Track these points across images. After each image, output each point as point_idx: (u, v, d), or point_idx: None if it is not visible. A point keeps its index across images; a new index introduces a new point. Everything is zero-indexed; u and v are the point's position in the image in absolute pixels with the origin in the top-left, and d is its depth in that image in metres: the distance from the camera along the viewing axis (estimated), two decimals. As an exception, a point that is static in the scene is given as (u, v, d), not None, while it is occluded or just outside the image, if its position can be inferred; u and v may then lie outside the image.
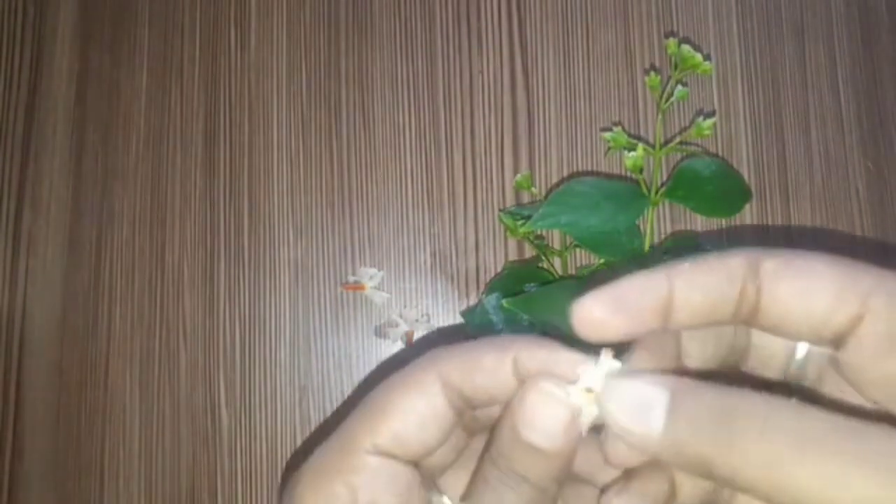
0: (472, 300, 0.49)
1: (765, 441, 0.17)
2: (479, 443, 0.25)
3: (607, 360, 0.21)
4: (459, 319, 0.48)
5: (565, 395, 0.21)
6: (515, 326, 0.43)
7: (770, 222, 0.50)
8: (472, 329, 0.47)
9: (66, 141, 0.51)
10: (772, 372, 0.24)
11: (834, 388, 0.21)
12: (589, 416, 0.21)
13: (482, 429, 0.25)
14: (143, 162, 0.51)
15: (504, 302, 0.42)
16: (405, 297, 0.49)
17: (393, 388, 0.24)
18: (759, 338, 0.24)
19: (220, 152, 0.51)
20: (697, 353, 0.24)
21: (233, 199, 0.50)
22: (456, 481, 0.25)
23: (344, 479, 0.23)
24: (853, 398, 0.20)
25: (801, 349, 0.23)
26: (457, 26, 0.52)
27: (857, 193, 0.51)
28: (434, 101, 0.51)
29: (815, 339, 0.21)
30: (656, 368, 0.23)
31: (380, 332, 0.49)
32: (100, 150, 0.51)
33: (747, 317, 0.21)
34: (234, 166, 0.51)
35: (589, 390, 0.21)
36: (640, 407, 0.20)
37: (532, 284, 0.44)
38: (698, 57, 0.45)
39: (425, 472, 0.25)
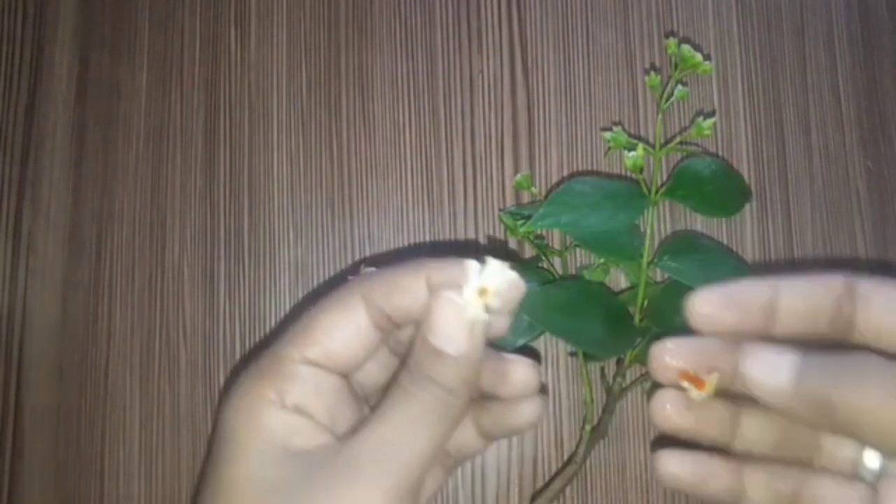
0: (472, 300, 0.49)
1: (882, 384, 0.21)
2: None
3: (495, 264, 0.24)
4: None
5: (463, 301, 0.24)
6: (515, 326, 0.43)
7: (770, 222, 0.50)
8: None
9: (66, 141, 0.51)
10: (845, 455, 0.26)
11: None
12: (483, 319, 0.24)
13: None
14: (143, 162, 0.51)
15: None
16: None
17: (321, 308, 0.27)
18: (828, 441, 0.26)
19: (220, 152, 0.51)
20: (755, 436, 0.27)
21: (233, 199, 0.50)
22: None
23: (273, 384, 0.25)
24: None
25: (872, 459, 0.25)
26: (457, 26, 0.52)
27: (857, 193, 0.51)
28: (434, 100, 0.51)
29: None
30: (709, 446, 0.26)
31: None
32: (100, 150, 0.51)
33: (843, 330, 0.24)
34: (234, 166, 0.51)
35: (482, 291, 0.24)
36: (773, 365, 0.23)
37: (532, 284, 0.44)
38: (698, 57, 0.44)
39: (356, 387, 0.28)
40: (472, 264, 0.25)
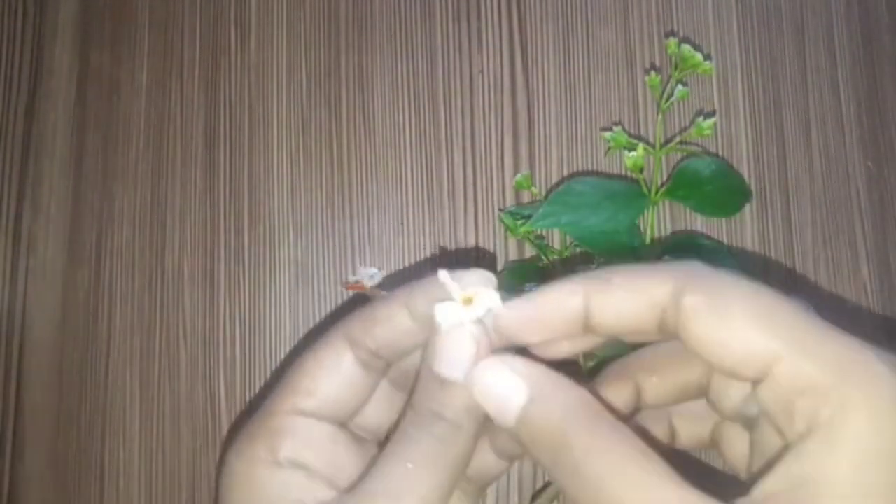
0: (473, 300, 0.49)
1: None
2: None
3: (468, 272, 0.23)
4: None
5: (467, 325, 0.23)
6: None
7: (770, 222, 0.50)
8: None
9: (66, 141, 0.51)
10: (730, 403, 0.24)
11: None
12: (478, 333, 0.23)
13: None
14: (143, 162, 0.51)
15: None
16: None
17: (307, 356, 0.26)
18: (714, 387, 0.25)
19: (220, 152, 0.51)
20: (653, 390, 0.25)
21: (233, 199, 0.50)
22: None
23: (265, 441, 0.24)
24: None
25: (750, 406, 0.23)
26: (457, 26, 0.52)
27: (857, 193, 0.51)
28: (434, 100, 0.51)
29: (732, 376, 0.21)
30: (617, 396, 0.25)
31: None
32: (100, 150, 0.51)
33: (672, 337, 0.22)
34: (234, 166, 0.51)
35: (467, 301, 0.23)
36: (502, 397, 0.22)
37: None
38: (698, 57, 0.45)
39: (360, 431, 0.27)
40: (445, 277, 0.23)
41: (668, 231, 0.50)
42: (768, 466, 0.19)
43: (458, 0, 0.52)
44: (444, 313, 0.23)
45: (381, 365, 0.26)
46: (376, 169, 0.50)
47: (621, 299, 0.22)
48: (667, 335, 0.22)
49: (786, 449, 0.19)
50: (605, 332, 0.23)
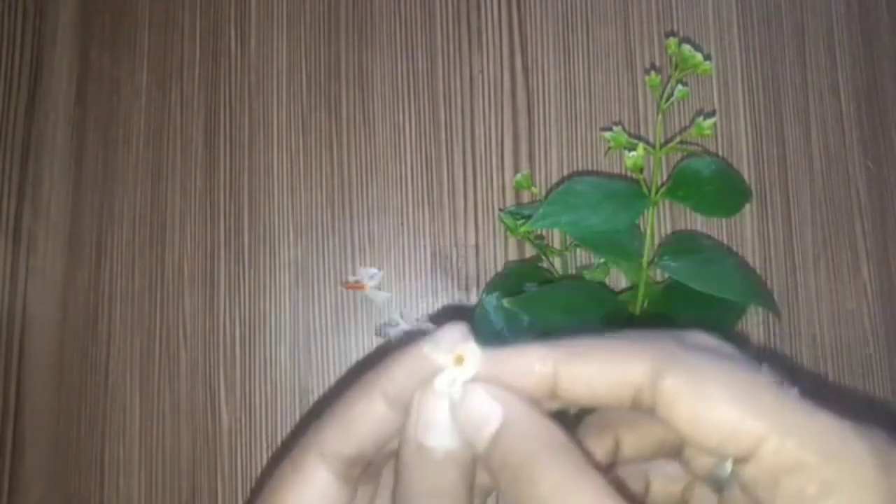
0: (472, 300, 0.49)
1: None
2: None
3: (448, 329, 0.23)
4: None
5: (445, 387, 0.22)
6: (515, 326, 0.43)
7: (770, 222, 0.50)
8: (472, 329, 0.47)
9: (66, 141, 0.51)
10: (702, 465, 0.25)
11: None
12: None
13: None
14: (143, 162, 0.51)
15: (505, 301, 0.42)
16: (405, 296, 0.49)
17: (276, 485, 0.24)
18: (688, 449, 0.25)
19: (220, 152, 0.51)
20: (632, 445, 0.25)
21: (233, 199, 0.50)
22: None
23: None
24: None
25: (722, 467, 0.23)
26: (457, 25, 0.52)
27: (857, 193, 0.51)
28: (434, 100, 0.51)
29: (715, 454, 0.22)
30: (595, 444, 0.25)
31: (380, 332, 0.49)
32: (100, 150, 0.51)
33: (646, 411, 0.22)
34: (234, 166, 0.51)
35: (458, 360, 0.22)
36: (479, 419, 0.21)
37: (532, 284, 0.44)
38: (698, 56, 0.44)
39: None
40: (431, 349, 0.22)
41: (668, 231, 0.50)
42: None
43: (458, 0, 0.52)
44: (446, 381, 0.22)
45: (357, 472, 0.24)
46: (376, 169, 0.50)
47: (595, 374, 0.22)
48: (640, 410, 0.22)
49: None
50: (572, 401, 0.23)
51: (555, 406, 0.24)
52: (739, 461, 0.20)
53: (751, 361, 0.21)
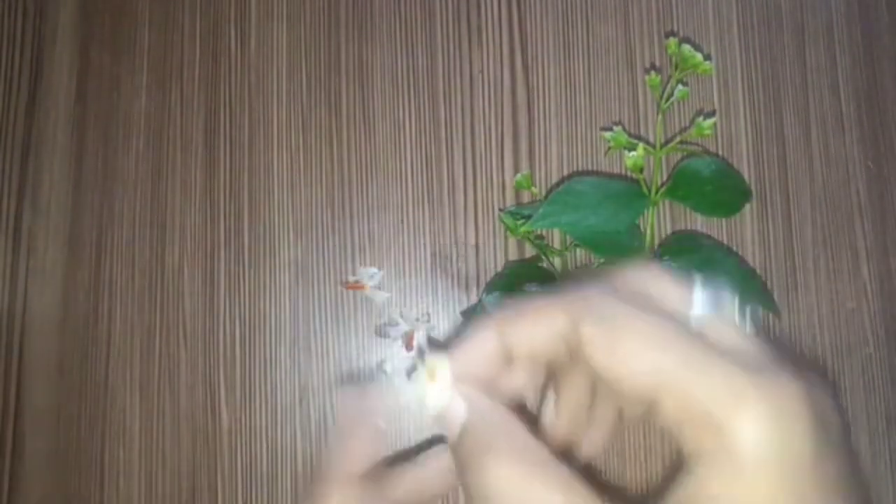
0: (473, 300, 0.49)
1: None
2: None
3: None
4: (459, 319, 0.48)
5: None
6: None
7: (770, 222, 0.50)
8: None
9: (66, 141, 0.51)
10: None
11: None
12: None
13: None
14: (143, 162, 0.51)
15: (505, 301, 0.42)
16: (405, 296, 0.49)
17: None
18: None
19: (220, 152, 0.51)
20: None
21: (233, 199, 0.50)
22: None
23: None
24: None
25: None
26: (457, 24, 0.52)
27: (857, 193, 0.51)
28: (434, 99, 0.51)
29: (629, 401, 0.24)
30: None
31: (380, 332, 0.49)
32: (100, 150, 0.51)
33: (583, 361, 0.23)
34: (234, 166, 0.51)
35: (430, 374, 0.24)
36: (451, 415, 0.24)
37: (532, 284, 0.44)
38: (699, 56, 0.45)
39: None
40: (416, 378, 0.25)
41: (668, 231, 0.50)
42: (666, 487, 0.20)
43: None
44: (433, 395, 0.24)
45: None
46: (376, 168, 0.50)
47: (530, 332, 0.24)
48: (577, 360, 0.23)
49: (681, 471, 0.20)
50: (527, 361, 0.24)
51: (535, 373, 0.26)
52: (650, 409, 0.21)
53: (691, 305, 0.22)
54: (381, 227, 0.50)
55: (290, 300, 0.49)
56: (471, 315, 0.48)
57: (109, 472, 0.48)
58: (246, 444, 0.48)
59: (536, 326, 0.24)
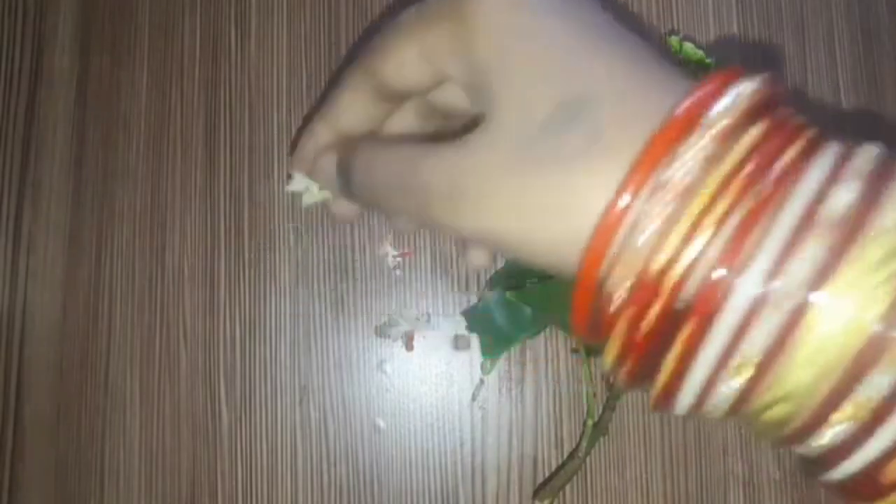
0: (473, 300, 0.49)
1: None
2: None
3: None
4: (460, 319, 0.48)
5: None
6: (518, 320, 0.43)
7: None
8: (473, 328, 0.47)
9: (66, 141, 0.51)
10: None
11: None
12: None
13: None
14: (143, 162, 0.51)
15: (508, 294, 0.42)
16: (405, 295, 0.49)
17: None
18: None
19: (220, 152, 0.51)
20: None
21: (233, 199, 0.50)
22: None
23: None
24: None
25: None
26: (457, 26, 0.52)
27: (857, 192, 0.51)
28: (434, 100, 0.51)
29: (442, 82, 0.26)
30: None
31: (380, 332, 0.49)
32: (100, 150, 0.51)
33: (398, 96, 0.27)
34: (235, 166, 0.51)
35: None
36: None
37: (533, 280, 0.44)
38: (701, 53, 0.45)
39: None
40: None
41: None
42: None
43: (458, 0, 0.52)
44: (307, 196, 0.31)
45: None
46: (376, 168, 0.50)
47: (340, 105, 0.28)
48: (391, 97, 0.27)
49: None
50: (348, 130, 0.28)
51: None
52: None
53: None
54: (381, 227, 0.50)
55: (289, 300, 0.49)
56: (472, 314, 0.48)
57: (109, 472, 0.48)
58: (246, 444, 0.48)
59: (345, 96, 0.27)
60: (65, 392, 0.48)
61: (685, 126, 0.19)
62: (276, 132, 0.51)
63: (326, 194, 0.31)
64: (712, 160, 0.18)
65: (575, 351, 0.47)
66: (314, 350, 0.49)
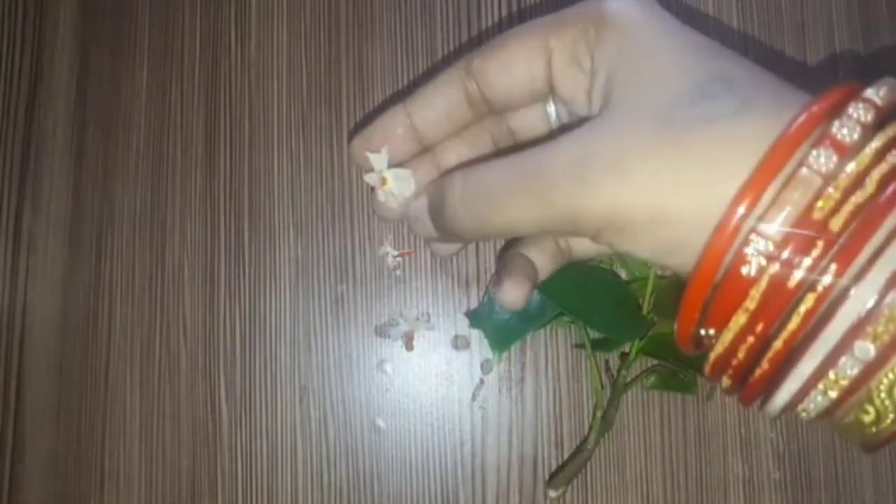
0: (473, 300, 0.49)
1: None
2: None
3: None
4: (460, 318, 0.48)
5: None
6: (523, 313, 0.43)
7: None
8: (478, 325, 0.47)
9: (66, 140, 0.51)
10: None
11: None
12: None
13: None
14: (143, 161, 0.51)
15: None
16: (405, 295, 0.49)
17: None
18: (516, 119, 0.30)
19: (220, 152, 0.51)
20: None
21: (233, 199, 0.50)
22: None
23: None
24: None
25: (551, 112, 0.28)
26: (457, 24, 0.52)
27: (857, 192, 0.51)
28: (434, 100, 0.51)
29: (538, 97, 0.27)
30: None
31: (380, 332, 0.49)
32: (100, 150, 0.51)
33: (484, 107, 0.27)
34: (235, 165, 0.51)
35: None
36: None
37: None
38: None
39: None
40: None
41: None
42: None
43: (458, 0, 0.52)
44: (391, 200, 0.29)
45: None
46: (376, 168, 0.50)
47: (431, 97, 0.29)
48: (481, 108, 0.28)
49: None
50: (433, 132, 0.28)
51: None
52: (552, 88, 0.26)
53: None
54: (381, 227, 0.50)
55: (290, 299, 0.49)
56: (475, 315, 0.48)
57: (109, 472, 0.48)
58: (246, 443, 0.48)
59: (438, 91, 0.28)
60: (65, 392, 0.49)
61: (821, 119, 0.19)
62: (276, 132, 0.51)
63: (406, 195, 0.29)
64: (847, 158, 0.18)
65: (579, 346, 0.47)
66: (314, 349, 0.49)
